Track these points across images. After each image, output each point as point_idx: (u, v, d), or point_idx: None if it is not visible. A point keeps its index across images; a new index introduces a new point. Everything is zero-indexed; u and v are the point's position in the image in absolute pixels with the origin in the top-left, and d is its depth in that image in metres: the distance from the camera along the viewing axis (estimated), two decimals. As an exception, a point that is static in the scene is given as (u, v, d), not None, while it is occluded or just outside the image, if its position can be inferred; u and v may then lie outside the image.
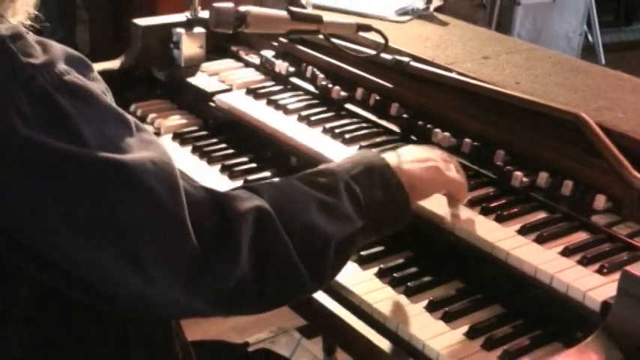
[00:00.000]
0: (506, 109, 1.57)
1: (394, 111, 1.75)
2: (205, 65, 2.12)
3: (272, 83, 2.00)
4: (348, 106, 1.84)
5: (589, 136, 1.42)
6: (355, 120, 1.79)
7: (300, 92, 1.94)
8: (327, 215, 1.17)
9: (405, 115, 1.73)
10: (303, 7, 1.79)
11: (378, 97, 1.80)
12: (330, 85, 1.88)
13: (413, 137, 1.68)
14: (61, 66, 1.00)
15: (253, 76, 2.06)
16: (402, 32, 1.98)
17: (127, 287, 1.04)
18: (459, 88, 1.66)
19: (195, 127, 1.98)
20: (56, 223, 0.99)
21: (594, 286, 1.21)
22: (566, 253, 1.30)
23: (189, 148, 1.87)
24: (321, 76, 1.92)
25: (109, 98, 1.06)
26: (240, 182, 1.71)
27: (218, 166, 1.78)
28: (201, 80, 2.06)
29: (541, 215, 1.42)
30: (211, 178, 1.74)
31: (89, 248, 1.00)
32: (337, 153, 1.65)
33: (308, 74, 1.96)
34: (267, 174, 1.74)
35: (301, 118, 1.80)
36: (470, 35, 2.02)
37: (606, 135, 1.41)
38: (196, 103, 2.03)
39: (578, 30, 5.02)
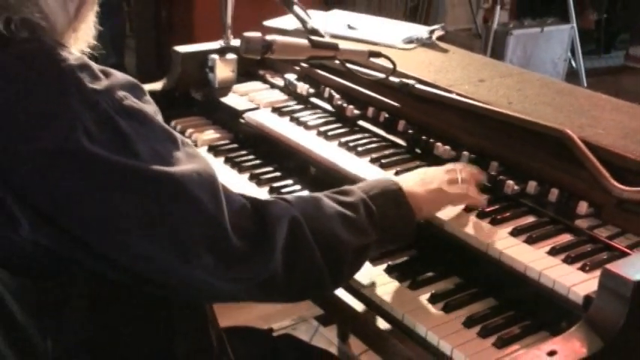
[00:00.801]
0: (499, 125, 1.57)
1: (401, 127, 1.75)
2: (236, 87, 2.13)
3: (294, 103, 2.01)
4: (361, 122, 1.84)
5: (573, 149, 1.42)
6: (367, 135, 1.79)
7: (319, 111, 1.94)
8: (347, 227, 1.20)
9: (410, 131, 1.72)
10: (322, 36, 1.79)
11: (386, 115, 1.79)
12: (344, 105, 1.88)
13: (417, 150, 1.68)
14: (121, 92, 1.02)
15: (278, 96, 2.06)
16: (408, 58, 1.98)
17: (176, 276, 1.05)
18: (458, 107, 1.66)
19: (227, 141, 1.98)
20: (118, 225, 1.00)
21: (578, 282, 1.20)
22: (553, 252, 1.29)
23: (222, 158, 1.88)
24: (337, 96, 1.92)
25: (160, 118, 1.08)
26: (266, 189, 1.71)
27: (247, 175, 1.78)
28: (232, 100, 2.06)
29: (530, 219, 1.41)
30: (241, 185, 1.74)
31: (146, 244, 1.02)
32: (350, 164, 1.65)
33: (326, 95, 1.96)
34: (289, 182, 1.74)
35: (319, 133, 1.80)
36: (467, 61, 2.02)
37: (588, 149, 1.40)
38: (228, 120, 2.03)
39: (563, 57, 4.99)
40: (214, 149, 1.92)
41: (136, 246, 1.01)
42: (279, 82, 2.11)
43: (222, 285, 1.07)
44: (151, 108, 1.07)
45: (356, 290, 1.37)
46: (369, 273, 1.39)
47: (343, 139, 1.75)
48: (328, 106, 1.93)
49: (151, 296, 1.11)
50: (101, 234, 1.01)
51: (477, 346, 1.20)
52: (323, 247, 1.15)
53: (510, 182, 1.47)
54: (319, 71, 2.01)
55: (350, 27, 2.22)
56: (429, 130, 1.69)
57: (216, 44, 2.15)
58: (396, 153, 1.69)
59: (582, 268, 1.24)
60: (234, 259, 1.06)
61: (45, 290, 1.06)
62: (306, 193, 1.66)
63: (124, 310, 1.12)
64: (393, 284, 1.37)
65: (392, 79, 1.77)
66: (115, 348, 1.13)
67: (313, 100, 1.98)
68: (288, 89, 2.06)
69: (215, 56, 2.11)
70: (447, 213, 1.41)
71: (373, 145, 1.73)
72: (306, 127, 1.85)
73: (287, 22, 2.18)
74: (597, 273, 1.11)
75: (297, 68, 2.08)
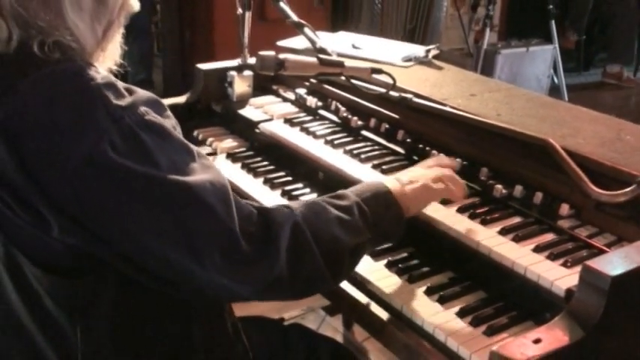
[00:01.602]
0: (489, 135, 1.56)
1: (400, 136, 1.74)
2: (252, 100, 2.12)
3: (304, 114, 2.00)
4: (364, 132, 1.83)
5: (555, 157, 1.41)
6: (369, 144, 1.78)
7: (326, 122, 1.94)
8: (344, 229, 1.19)
9: (408, 140, 1.72)
10: (329, 54, 1.79)
11: (387, 126, 1.79)
12: (349, 116, 1.88)
13: (415, 157, 1.67)
14: (143, 107, 1.02)
15: (289, 108, 2.06)
16: (407, 75, 1.97)
17: (189, 277, 1.05)
18: (452, 118, 1.65)
19: (244, 149, 1.98)
20: (137, 228, 1.00)
21: (560, 277, 1.19)
22: (538, 250, 1.29)
23: (239, 164, 1.87)
24: (343, 109, 1.92)
25: (178, 131, 1.08)
26: (278, 192, 1.71)
27: (261, 179, 1.78)
28: (248, 112, 2.06)
29: (517, 220, 1.40)
30: (256, 188, 1.74)
31: (163, 248, 1.01)
32: (355, 169, 1.65)
33: (332, 107, 1.95)
34: (299, 185, 1.74)
35: (327, 142, 1.80)
36: (460, 77, 2.01)
37: (569, 156, 1.39)
38: (245, 130, 2.03)
39: (546, 73, 4.97)
40: (232, 156, 1.92)
41: (154, 249, 1.01)
42: (291, 96, 2.11)
43: (233, 286, 1.06)
44: (170, 122, 1.07)
45: (359, 283, 1.36)
46: (371, 268, 1.38)
47: (348, 147, 1.75)
48: (335, 118, 1.93)
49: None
50: (122, 237, 1.01)
51: (469, 334, 1.20)
52: (323, 248, 1.14)
53: (499, 186, 1.46)
54: (327, 86, 2.01)
55: (354, 46, 2.22)
56: (425, 139, 1.69)
57: (235, 62, 2.15)
58: (395, 160, 1.69)
59: (564, 264, 1.23)
60: (244, 262, 1.05)
61: (75, 287, 1.06)
62: (314, 195, 1.66)
63: (147, 304, 1.12)
64: (393, 278, 1.36)
65: (392, 93, 1.77)
66: (138, 337, 1.13)
67: (321, 112, 1.98)
68: (299, 102, 2.06)
69: (233, 73, 2.11)
70: (441, 214, 1.40)
71: (375, 153, 1.72)
72: (315, 136, 1.84)
73: (298, 42, 2.18)
74: (578, 269, 1.10)
75: (307, 83, 2.08)
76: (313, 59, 1.70)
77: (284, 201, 1.66)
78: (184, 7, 4.61)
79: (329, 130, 1.87)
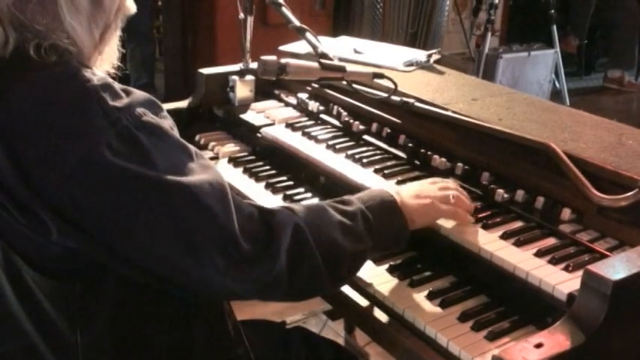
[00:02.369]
0: (490, 140, 1.56)
1: (402, 141, 1.74)
2: (254, 105, 2.13)
3: (306, 119, 2.01)
4: (366, 137, 1.83)
5: (557, 161, 1.41)
6: (371, 148, 1.78)
7: (328, 126, 1.94)
8: (345, 235, 1.18)
9: (410, 145, 1.72)
10: (331, 59, 1.79)
11: (389, 130, 1.79)
12: (351, 121, 1.88)
13: (416, 162, 1.67)
14: (140, 108, 1.02)
15: (291, 113, 2.06)
16: (408, 79, 1.97)
17: (188, 276, 1.05)
18: (453, 123, 1.65)
19: (245, 153, 1.98)
20: (135, 229, 1.00)
21: (562, 281, 1.19)
22: (539, 254, 1.28)
23: (241, 169, 1.88)
24: (345, 113, 1.92)
25: (176, 132, 1.08)
26: (280, 196, 1.71)
27: (263, 184, 1.78)
28: (250, 116, 2.06)
29: (518, 224, 1.40)
30: (258, 192, 1.74)
31: (163, 248, 1.01)
32: (356, 174, 1.65)
33: (334, 112, 1.95)
34: (301, 190, 1.74)
35: (328, 147, 1.80)
36: (462, 82, 2.01)
37: (571, 161, 1.39)
38: (247, 134, 2.03)
39: (548, 78, 4.97)
40: (234, 160, 1.92)
41: (153, 249, 1.01)
42: (293, 100, 2.11)
43: (232, 285, 1.06)
44: (167, 123, 1.06)
45: (361, 287, 1.36)
46: (373, 272, 1.38)
47: (350, 152, 1.75)
48: (336, 122, 1.93)
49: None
50: (122, 238, 1.01)
51: (470, 338, 1.20)
52: (323, 252, 1.14)
53: (500, 191, 1.46)
54: (328, 91, 2.01)
55: (356, 51, 2.22)
56: (427, 143, 1.69)
57: (237, 67, 2.15)
58: (397, 164, 1.69)
59: (566, 269, 1.23)
60: (243, 262, 1.05)
61: (74, 290, 1.06)
62: (316, 200, 1.66)
63: (147, 305, 1.12)
64: (395, 282, 1.36)
65: (394, 97, 1.77)
66: (138, 339, 1.13)
67: (323, 116, 1.98)
68: (301, 107, 2.06)
69: (235, 77, 2.11)
70: (443, 220, 1.40)
71: (377, 157, 1.72)
72: (317, 140, 1.84)
73: (300, 47, 2.18)
74: (579, 273, 1.10)
75: (309, 88, 2.08)
76: (315, 64, 1.70)
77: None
78: (186, 11, 4.62)
79: (330, 135, 1.87)
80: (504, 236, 1.35)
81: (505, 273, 1.27)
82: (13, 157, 0.96)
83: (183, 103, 2.12)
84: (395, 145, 1.75)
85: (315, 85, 2.05)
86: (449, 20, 5.46)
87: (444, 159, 1.61)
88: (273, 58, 1.64)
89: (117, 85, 1.04)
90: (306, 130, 1.90)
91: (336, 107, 1.96)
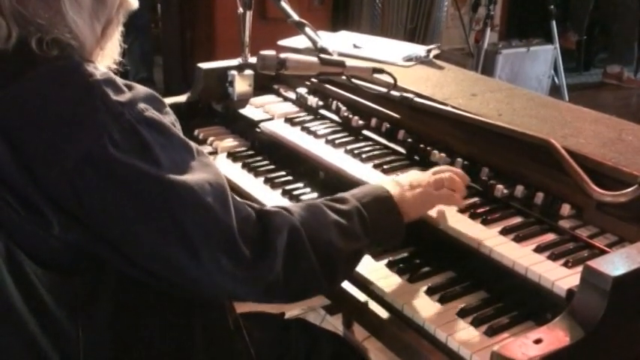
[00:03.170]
0: (490, 135, 1.56)
1: (401, 136, 1.74)
2: (253, 99, 2.12)
3: (305, 114, 2.00)
4: (365, 132, 1.83)
5: (557, 157, 1.41)
6: (370, 143, 1.78)
7: (327, 121, 1.93)
8: (341, 234, 1.18)
9: (409, 140, 1.72)
10: (330, 54, 1.79)
11: (388, 125, 1.79)
12: (350, 116, 1.87)
13: (416, 157, 1.67)
14: (142, 104, 1.02)
15: (290, 108, 2.06)
16: (408, 74, 1.97)
17: (186, 275, 1.04)
18: (453, 118, 1.65)
19: (244, 148, 1.98)
20: (135, 225, 1.00)
21: (561, 277, 1.19)
22: (539, 250, 1.28)
23: (239, 164, 1.87)
24: (344, 108, 1.92)
25: (178, 128, 1.08)
26: (279, 191, 1.71)
27: (262, 179, 1.78)
28: (249, 111, 2.06)
29: (518, 220, 1.40)
30: (257, 187, 1.74)
31: (161, 246, 1.01)
32: (356, 169, 1.64)
33: (333, 107, 1.95)
34: (300, 185, 1.74)
35: (328, 142, 1.80)
36: (461, 77, 2.01)
37: (570, 156, 1.39)
38: (246, 129, 2.03)
39: (547, 74, 4.97)
40: (233, 155, 1.91)
41: (152, 246, 1.01)
42: (292, 95, 2.11)
43: (230, 285, 1.06)
44: (169, 119, 1.06)
45: (360, 283, 1.36)
46: (372, 267, 1.38)
47: (349, 147, 1.74)
48: (335, 117, 1.93)
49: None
50: (121, 233, 1.00)
51: (469, 334, 1.20)
52: (319, 253, 1.14)
53: (500, 186, 1.46)
54: (328, 86, 2.01)
55: (355, 46, 2.22)
56: (426, 139, 1.68)
57: (235, 61, 2.15)
58: (396, 159, 1.68)
59: (565, 265, 1.23)
60: (241, 263, 1.05)
61: (76, 284, 1.06)
62: (315, 195, 1.66)
63: (147, 300, 1.12)
64: (394, 278, 1.36)
65: (393, 93, 1.77)
66: (139, 333, 1.13)
67: (322, 111, 1.98)
68: (300, 102, 2.05)
69: (234, 72, 2.11)
70: (442, 214, 1.40)
71: (376, 153, 1.72)
72: (316, 135, 1.84)
73: (299, 41, 2.17)
74: (579, 269, 1.10)
75: (308, 83, 2.08)
76: (314, 59, 1.70)
77: (284, 200, 1.66)
78: (185, 6, 4.61)
79: (330, 130, 1.87)
80: (504, 232, 1.35)
81: (504, 269, 1.27)
82: (15, 151, 0.96)
83: (181, 98, 2.12)
84: (394, 140, 1.75)
85: (315, 80, 2.05)
86: (448, 15, 5.45)
87: (443, 154, 1.61)
88: (273, 52, 1.64)
89: (119, 80, 1.03)
90: (306, 125, 1.90)
91: (335, 102, 1.95)
